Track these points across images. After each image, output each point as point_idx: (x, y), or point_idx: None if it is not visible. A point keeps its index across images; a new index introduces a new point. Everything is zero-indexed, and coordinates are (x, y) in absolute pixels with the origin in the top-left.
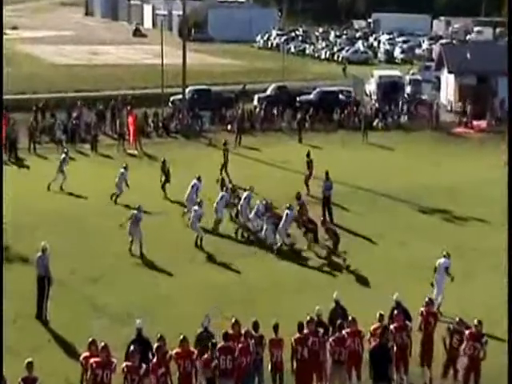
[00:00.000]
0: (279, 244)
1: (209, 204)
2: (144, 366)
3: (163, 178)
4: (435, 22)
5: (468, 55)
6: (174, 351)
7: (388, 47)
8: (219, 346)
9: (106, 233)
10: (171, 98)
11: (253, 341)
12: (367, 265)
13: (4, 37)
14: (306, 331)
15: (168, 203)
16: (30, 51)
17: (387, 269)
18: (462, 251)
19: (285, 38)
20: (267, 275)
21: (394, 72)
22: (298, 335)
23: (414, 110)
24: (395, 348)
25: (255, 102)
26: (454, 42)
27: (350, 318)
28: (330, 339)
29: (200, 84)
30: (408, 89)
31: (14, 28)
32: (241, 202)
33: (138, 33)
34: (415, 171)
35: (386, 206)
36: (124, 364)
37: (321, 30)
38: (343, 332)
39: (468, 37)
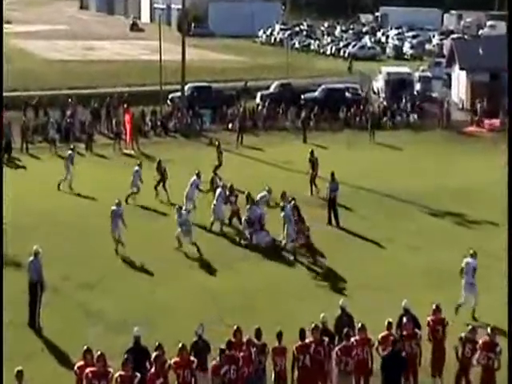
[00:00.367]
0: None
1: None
2: (140, 376)
3: (158, 178)
4: (446, 15)
5: (480, 51)
6: (173, 360)
7: (396, 42)
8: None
9: (101, 236)
10: (170, 96)
11: (255, 349)
12: (375, 270)
13: None
14: (310, 339)
15: (165, 205)
16: (23, 46)
17: (396, 274)
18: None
19: (288, 32)
20: (267, 280)
21: (403, 68)
22: (299, 343)
23: (420, 107)
24: None
25: (258, 100)
26: (466, 37)
27: (358, 325)
28: (337, 348)
29: (200, 81)
30: (417, 86)
31: (7, 22)
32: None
33: (135, 27)
34: (425, 172)
35: (394, 209)
36: (117, 374)
37: (326, 24)
38: (351, 340)
39: (480, 31)
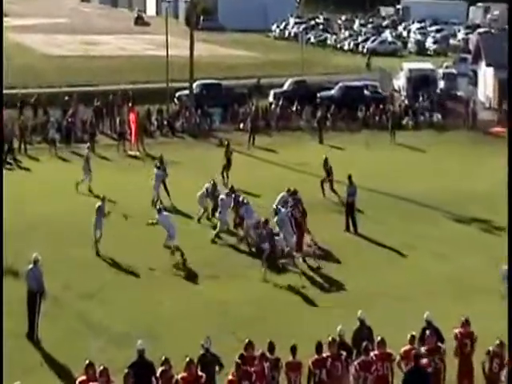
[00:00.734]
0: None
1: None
2: None
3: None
4: (472, 8)
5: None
6: (180, 375)
7: (419, 37)
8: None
9: (103, 242)
10: (177, 94)
11: (268, 364)
12: (396, 279)
13: None
14: (326, 354)
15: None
16: (20, 41)
17: (418, 283)
18: (501, 265)
19: (304, 26)
20: (277, 289)
21: (426, 65)
22: (315, 357)
23: (444, 106)
24: None
25: (271, 98)
26: (493, 31)
27: (377, 338)
28: (355, 363)
29: (209, 78)
30: (441, 84)
31: (4, 15)
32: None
33: (139, 21)
34: (449, 175)
35: (415, 214)
36: None
37: (344, 17)
38: (370, 355)
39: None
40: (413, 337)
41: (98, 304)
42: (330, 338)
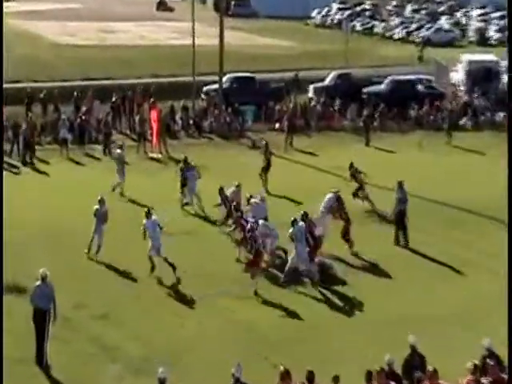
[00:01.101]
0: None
1: None
2: None
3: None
4: None
5: None
6: None
7: (480, 25)
8: None
9: (117, 254)
10: (205, 89)
11: None
12: (450, 299)
13: None
14: None
15: (195, 219)
16: (28, 28)
17: (476, 305)
18: None
19: (348, 13)
20: (311, 308)
21: (488, 56)
22: None
23: (508, 104)
24: None
25: (310, 94)
26: None
27: (429, 368)
28: None
29: (241, 71)
30: (505, 77)
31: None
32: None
33: (162, 6)
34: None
35: (473, 225)
36: None
37: (394, 2)
38: None
39: None
40: (475, 366)
41: (113, 325)
42: (377, 368)
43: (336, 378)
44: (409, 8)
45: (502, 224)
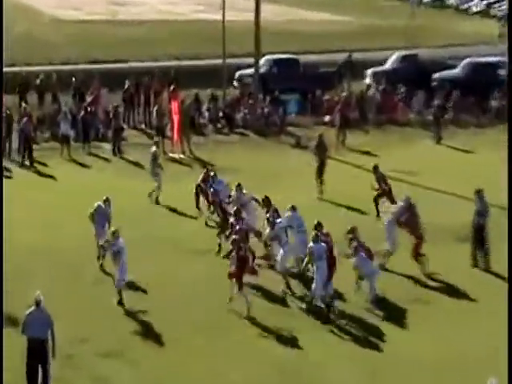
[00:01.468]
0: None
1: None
2: None
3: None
4: None
5: None
6: None
7: None
8: None
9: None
10: (237, 74)
11: None
12: None
13: None
14: None
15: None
16: (23, 1)
17: None
18: None
19: None
20: (360, 346)
21: None
22: None
23: None
24: None
25: (368, 80)
26: None
27: None
28: None
29: (282, 52)
30: None
31: None
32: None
33: None
34: None
35: None
36: None
37: None
38: None
39: None
40: None
41: (122, 365)
42: None
43: None
44: None
45: None
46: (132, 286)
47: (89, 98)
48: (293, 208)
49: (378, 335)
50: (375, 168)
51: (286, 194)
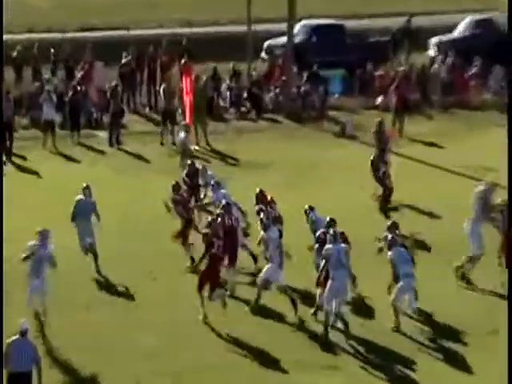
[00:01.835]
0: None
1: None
2: None
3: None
4: None
5: None
6: None
7: None
8: None
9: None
10: (266, 44)
11: None
12: None
13: None
14: None
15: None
16: None
17: None
18: None
19: None
20: None
21: None
22: None
23: None
24: None
25: (432, 52)
26: None
27: None
28: None
29: (322, 16)
30: None
31: None
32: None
33: None
34: None
35: None
36: None
37: None
38: None
39: None
40: None
41: None
42: None
43: None
44: None
45: None
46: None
47: (79, 74)
48: (310, 209)
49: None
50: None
51: (328, 196)
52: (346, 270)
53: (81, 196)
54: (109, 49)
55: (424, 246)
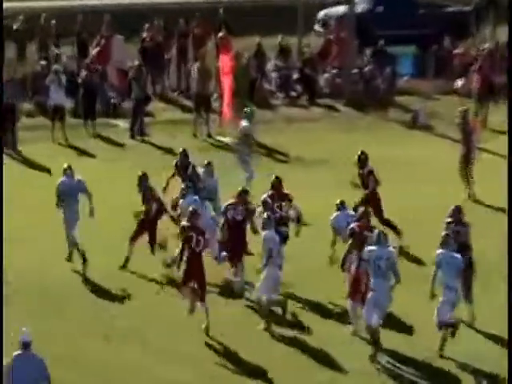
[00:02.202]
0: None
1: None
2: None
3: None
4: None
5: None
6: None
7: None
8: None
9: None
10: (321, 14)
11: None
12: None
13: None
14: None
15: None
16: None
17: None
18: None
19: None
20: None
21: None
22: None
23: None
24: None
25: None
26: None
27: None
28: None
29: None
30: None
31: None
32: None
33: None
34: None
35: None
36: None
37: None
38: None
39: None
40: None
41: None
42: None
43: None
44: None
45: None
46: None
47: (94, 51)
48: (342, 204)
49: None
50: (360, 159)
51: (394, 200)
52: (387, 280)
53: (62, 178)
54: (130, 21)
55: None
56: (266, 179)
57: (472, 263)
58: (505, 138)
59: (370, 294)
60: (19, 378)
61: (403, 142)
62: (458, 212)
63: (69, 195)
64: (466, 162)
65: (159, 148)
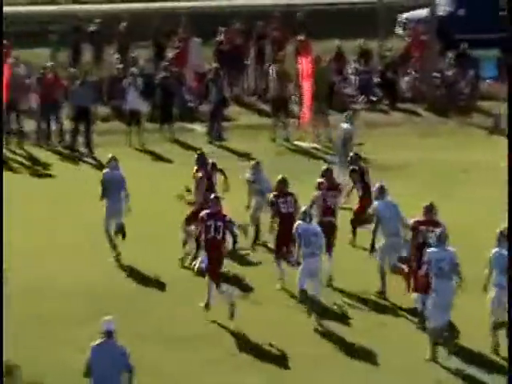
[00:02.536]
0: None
1: None
2: None
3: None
4: None
5: None
6: None
7: None
8: None
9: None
10: (402, 17)
11: None
12: None
13: None
14: None
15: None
16: None
17: None
18: None
19: None
20: None
21: None
22: None
23: None
24: None
25: None
26: None
27: None
28: None
29: None
30: None
31: None
32: None
33: None
34: None
35: None
36: None
37: None
38: None
39: None
40: None
41: None
42: None
43: None
44: None
45: None
46: None
47: (171, 54)
48: (381, 189)
49: None
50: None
51: (480, 209)
52: (450, 281)
53: (107, 169)
54: (207, 23)
55: None
56: None
57: None
58: None
59: (432, 296)
60: (101, 366)
61: (484, 147)
62: None
63: (111, 187)
64: None
65: (237, 153)
